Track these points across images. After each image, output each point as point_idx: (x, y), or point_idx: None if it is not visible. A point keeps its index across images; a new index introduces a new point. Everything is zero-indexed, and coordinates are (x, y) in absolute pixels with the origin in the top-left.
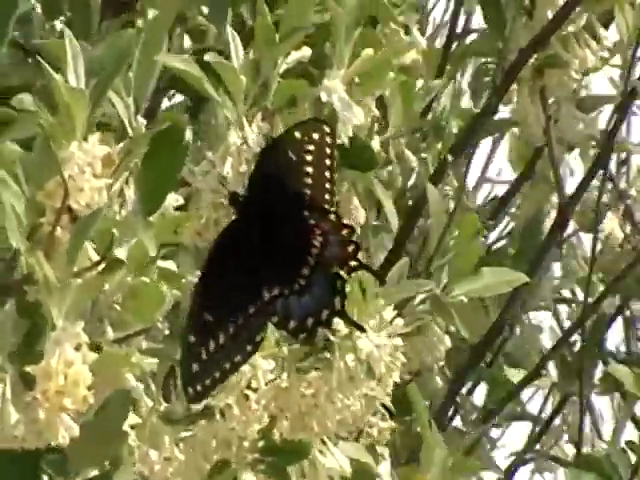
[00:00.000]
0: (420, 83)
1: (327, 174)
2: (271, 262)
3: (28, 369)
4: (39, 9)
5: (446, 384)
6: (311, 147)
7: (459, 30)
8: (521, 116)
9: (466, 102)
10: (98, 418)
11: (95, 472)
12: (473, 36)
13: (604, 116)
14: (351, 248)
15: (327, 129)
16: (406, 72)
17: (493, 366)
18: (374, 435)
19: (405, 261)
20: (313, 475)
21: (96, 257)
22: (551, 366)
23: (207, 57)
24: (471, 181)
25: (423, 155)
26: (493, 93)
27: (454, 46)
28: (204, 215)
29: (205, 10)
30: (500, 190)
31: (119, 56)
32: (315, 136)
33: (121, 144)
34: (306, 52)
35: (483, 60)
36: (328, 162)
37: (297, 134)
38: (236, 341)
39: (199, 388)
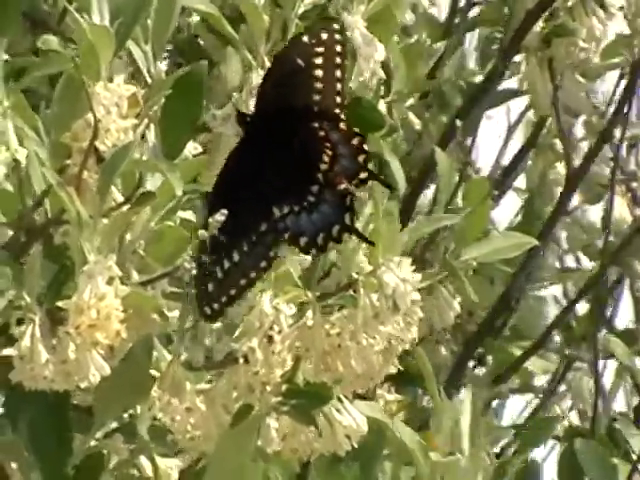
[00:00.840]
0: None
1: (338, 74)
2: (281, 179)
3: (60, 304)
4: None
5: (451, 355)
6: (320, 49)
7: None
8: (529, 85)
9: (472, 67)
10: (123, 364)
11: (115, 424)
12: (476, 9)
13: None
14: (362, 158)
15: (336, 26)
16: (408, 35)
17: (498, 338)
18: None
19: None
20: (330, 433)
21: (121, 198)
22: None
23: None
24: (485, 169)
25: (428, 123)
26: (500, 58)
27: (456, 20)
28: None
29: None
30: None
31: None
32: (324, 36)
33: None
34: None
35: (490, 29)
36: (338, 60)
37: (305, 38)
38: (250, 258)
39: (216, 306)
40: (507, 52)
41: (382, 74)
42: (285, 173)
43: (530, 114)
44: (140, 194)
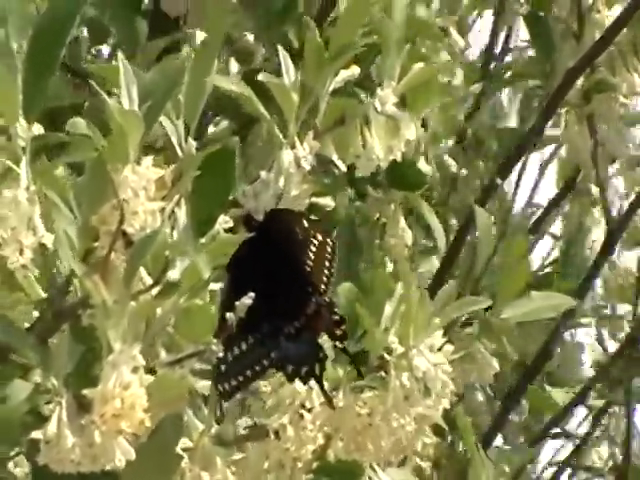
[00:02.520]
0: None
1: (326, 270)
2: (271, 299)
3: (85, 392)
4: (85, 32)
5: (488, 402)
6: (315, 241)
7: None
8: (569, 141)
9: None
10: (151, 442)
11: None
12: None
13: None
14: (339, 332)
15: (329, 239)
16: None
17: (535, 384)
18: (418, 451)
19: (453, 283)
20: None
21: (149, 280)
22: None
23: (260, 77)
24: (518, 205)
25: (464, 172)
26: (541, 115)
27: (492, 65)
28: None
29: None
30: None
31: (171, 80)
32: (319, 237)
33: (172, 166)
34: (355, 71)
35: (531, 84)
36: (327, 262)
37: (305, 223)
38: (254, 354)
39: (227, 387)
40: (548, 109)
41: (422, 132)
42: (275, 296)
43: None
44: (164, 284)
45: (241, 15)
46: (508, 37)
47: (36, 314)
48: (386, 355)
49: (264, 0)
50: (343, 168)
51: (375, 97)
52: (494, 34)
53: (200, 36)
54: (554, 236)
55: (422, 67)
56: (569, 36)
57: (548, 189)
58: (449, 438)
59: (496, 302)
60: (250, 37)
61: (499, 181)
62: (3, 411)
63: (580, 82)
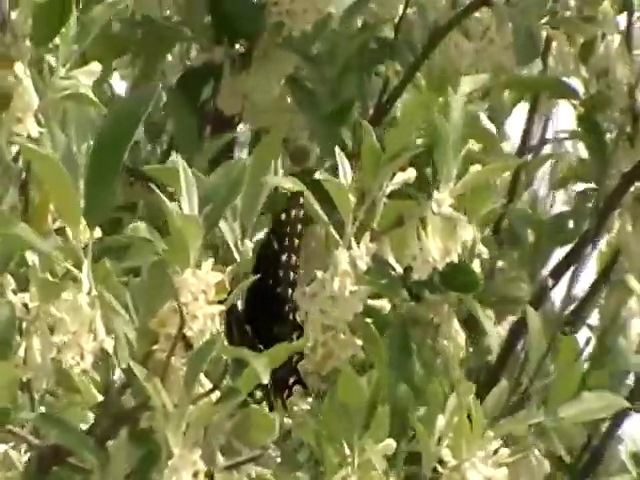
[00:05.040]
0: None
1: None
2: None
3: None
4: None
5: None
6: (288, 228)
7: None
8: (622, 244)
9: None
10: None
11: None
12: (548, 147)
13: None
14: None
15: (301, 200)
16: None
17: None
18: None
19: (505, 384)
20: None
21: (208, 384)
22: None
23: (317, 175)
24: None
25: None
26: (595, 220)
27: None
28: (311, 337)
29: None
30: None
31: (232, 185)
32: (293, 213)
33: (229, 268)
34: (411, 174)
35: (584, 186)
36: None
37: (283, 215)
38: None
39: None
40: (603, 215)
41: (478, 234)
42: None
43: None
44: (225, 389)
45: (296, 115)
46: (545, 127)
47: (91, 416)
48: (439, 467)
49: (321, 102)
50: (399, 270)
51: (432, 199)
52: (530, 123)
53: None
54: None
55: (479, 170)
56: (623, 138)
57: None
58: None
59: (550, 404)
60: (304, 137)
61: (550, 282)
62: None
63: (634, 186)
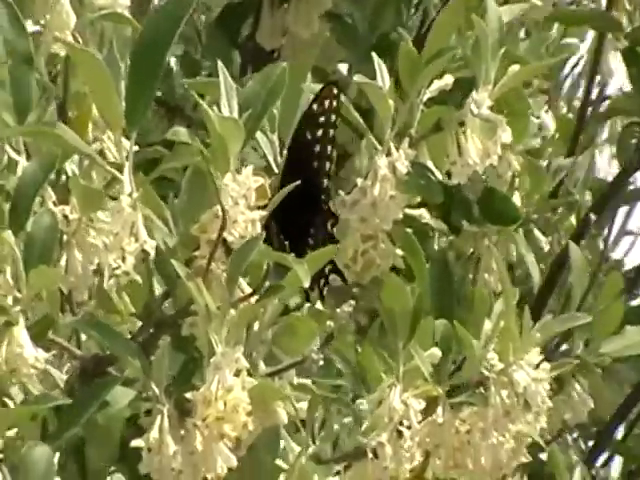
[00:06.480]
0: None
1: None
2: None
3: (188, 395)
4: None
5: (580, 456)
6: (322, 119)
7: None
8: None
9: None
10: (248, 458)
11: None
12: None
13: None
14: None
15: (334, 91)
16: (533, 154)
17: (628, 439)
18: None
19: (548, 318)
20: None
21: (248, 289)
22: None
23: (356, 78)
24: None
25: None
26: (637, 151)
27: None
28: (352, 247)
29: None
30: None
31: (272, 90)
32: (326, 103)
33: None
34: (448, 80)
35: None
36: (331, 134)
37: (314, 106)
38: None
39: None
40: None
41: (517, 166)
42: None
43: None
44: (268, 286)
45: (335, 48)
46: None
47: (139, 324)
48: (485, 371)
49: (361, 37)
50: (439, 175)
51: (471, 100)
52: (590, 81)
53: None
54: None
55: (517, 70)
56: None
57: None
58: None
59: (592, 339)
60: (344, 69)
61: (593, 217)
62: (104, 417)
63: None
